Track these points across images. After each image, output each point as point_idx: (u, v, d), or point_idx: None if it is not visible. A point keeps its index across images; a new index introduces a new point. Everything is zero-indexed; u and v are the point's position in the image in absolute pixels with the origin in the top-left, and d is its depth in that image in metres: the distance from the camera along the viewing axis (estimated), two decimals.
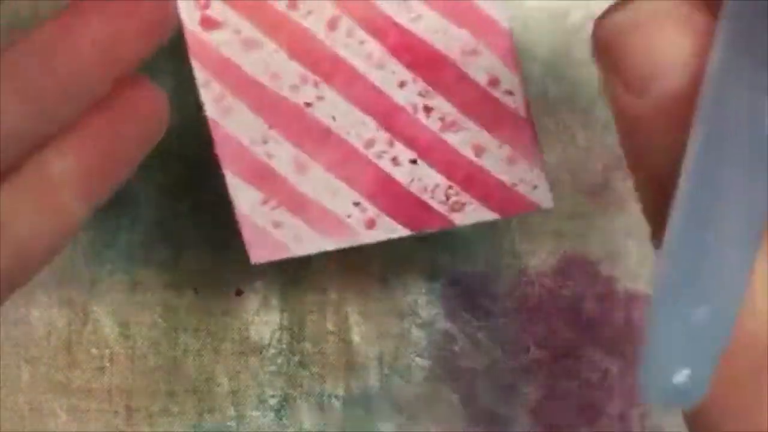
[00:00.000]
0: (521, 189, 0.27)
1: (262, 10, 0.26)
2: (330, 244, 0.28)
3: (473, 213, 0.28)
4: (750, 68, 0.19)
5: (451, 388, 0.36)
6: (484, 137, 0.27)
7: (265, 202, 0.27)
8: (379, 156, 0.27)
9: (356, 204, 0.27)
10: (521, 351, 0.36)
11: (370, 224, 0.27)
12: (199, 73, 0.27)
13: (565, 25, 0.37)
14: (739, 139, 0.20)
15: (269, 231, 0.28)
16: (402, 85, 0.27)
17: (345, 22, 0.26)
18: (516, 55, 0.27)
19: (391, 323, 0.36)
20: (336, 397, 0.36)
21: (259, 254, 0.28)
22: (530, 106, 0.27)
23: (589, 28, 0.37)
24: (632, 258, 0.37)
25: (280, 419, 0.36)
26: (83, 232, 0.35)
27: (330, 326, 0.36)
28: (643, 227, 0.39)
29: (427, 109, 0.27)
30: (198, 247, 0.36)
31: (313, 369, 0.36)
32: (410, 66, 0.26)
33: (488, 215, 0.28)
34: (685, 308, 0.20)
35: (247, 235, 0.28)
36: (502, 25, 0.27)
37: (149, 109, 0.28)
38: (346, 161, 0.27)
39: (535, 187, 0.27)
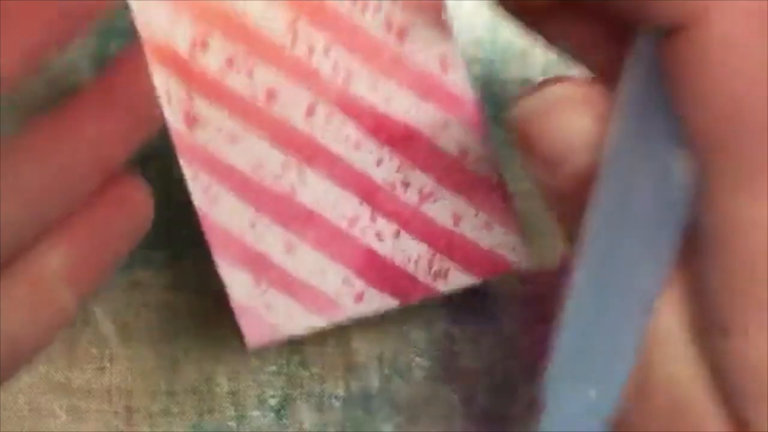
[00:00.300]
0: (500, 251, 0.29)
1: (243, 106, 0.27)
2: (321, 321, 0.29)
3: (456, 280, 0.29)
4: (646, 144, 0.21)
5: (451, 388, 0.36)
6: (461, 205, 0.28)
7: (257, 285, 0.29)
8: (363, 232, 0.28)
9: (345, 281, 0.28)
10: (521, 351, 0.36)
11: (359, 298, 0.29)
12: (187, 169, 0.28)
13: None
14: (633, 214, 0.21)
15: (262, 314, 0.29)
16: (379, 163, 0.28)
17: (322, 108, 0.27)
18: (485, 123, 0.28)
19: (391, 323, 0.36)
20: (336, 397, 0.36)
21: (255, 340, 0.29)
22: (501, 170, 0.29)
23: None
24: None
25: (280, 419, 0.36)
26: None
27: (330, 326, 0.36)
28: None
29: (405, 184, 0.28)
30: (198, 247, 0.36)
31: (313, 369, 0.36)
32: (386, 144, 0.28)
33: (470, 280, 0.29)
34: (575, 386, 0.21)
35: (244, 323, 0.29)
36: (469, 97, 0.28)
37: (135, 207, 0.30)
38: (332, 240, 0.28)
39: (513, 248, 0.29)
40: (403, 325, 0.36)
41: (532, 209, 0.37)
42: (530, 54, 0.37)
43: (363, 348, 0.36)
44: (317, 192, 0.28)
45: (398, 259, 0.28)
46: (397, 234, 0.28)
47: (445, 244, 0.28)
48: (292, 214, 0.28)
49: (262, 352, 0.36)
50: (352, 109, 0.27)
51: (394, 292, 0.29)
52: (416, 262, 0.28)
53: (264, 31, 0.27)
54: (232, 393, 0.36)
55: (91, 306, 0.35)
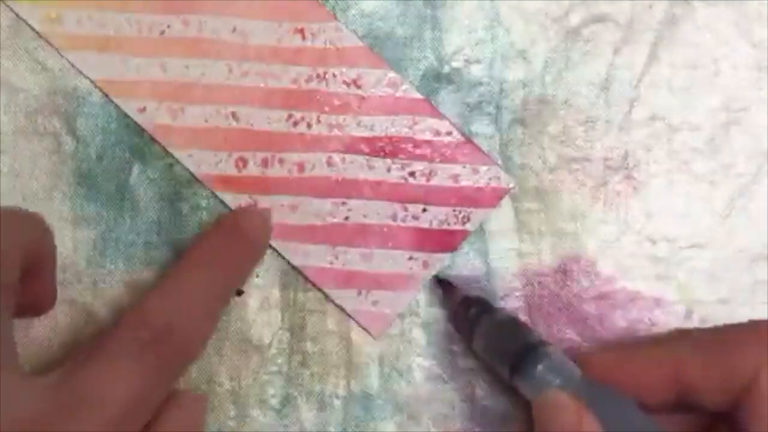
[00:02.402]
0: (493, 184, 0.37)
1: (287, 184, 0.37)
2: (412, 294, 0.37)
3: (477, 217, 0.37)
4: None
5: (451, 388, 0.36)
6: (453, 168, 0.37)
7: (359, 293, 0.36)
8: (404, 220, 0.37)
9: (410, 258, 0.37)
10: None
11: (425, 265, 0.37)
12: (278, 244, 0.37)
13: (565, 25, 0.37)
14: None
15: (372, 311, 0.36)
16: (389, 169, 0.37)
17: (337, 157, 0.37)
18: (434, 106, 0.37)
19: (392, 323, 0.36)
20: (336, 396, 0.36)
21: (378, 330, 0.37)
22: (462, 129, 0.37)
23: (589, 28, 0.37)
24: (631, 257, 0.37)
25: (281, 419, 0.36)
26: (84, 233, 0.35)
27: (330, 326, 0.36)
28: (642, 227, 0.39)
29: (412, 174, 0.37)
30: None
31: (313, 369, 0.36)
32: (387, 156, 0.37)
33: (486, 212, 0.37)
34: None
35: (363, 322, 0.36)
36: (418, 96, 0.37)
37: None
38: (387, 236, 0.37)
39: (499, 177, 0.38)
40: (404, 325, 0.36)
41: (532, 209, 0.37)
42: (530, 54, 0.37)
43: (363, 348, 0.36)
44: (363, 211, 0.37)
45: (434, 225, 0.38)
46: (425, 209, 0.37)
47: (458, 198, 0.38)
48: (355, 233, 0.37)
49: (263, 351, 0.36)
50: (354, 146, 0.37)
51: (443, 248, 0.37)
52: (446, 220, 0.38)
53: (270, 129, 0.37)
54: (233, 392, 0.36)
55: (92, 306, 0.35)
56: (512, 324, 0.34)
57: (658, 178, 0.37)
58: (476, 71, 0.37)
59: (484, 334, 0.34)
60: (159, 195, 0.36)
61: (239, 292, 0.36)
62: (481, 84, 0.37)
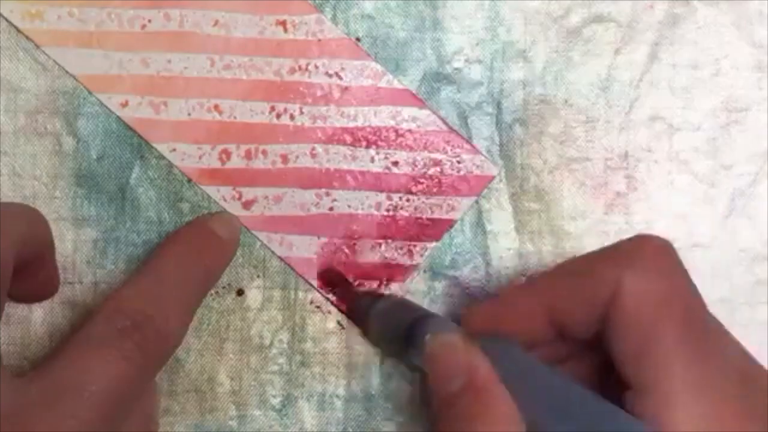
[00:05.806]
0: (476, 172, 0.38)
1: (270, 176, 0.37)
2: (395, 284, 0.37)
3: (462, 206, 0.38)
4: None
5: None
6: (436, 157, 0.38)
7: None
8: (388, 209, 0.38)
9: (397, 248, 0.38)
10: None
11: (410, 255, 0.37)
12: (261, 234, 0.37)
13: (565, 25, 0.37)
14: None
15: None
16: (372, 160, 0.37)
17: (319, 148, 0.37)
18: (416, 95, 0.38)
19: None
20: (337, 396, 0.36)
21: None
22: (444, 119, 0.37)
23: (589, 28, 0.37)
24: None
25: (282, 419, 0.36)
26: (85, 233, 0.35)
27: (331, 326, 0.36)
28: (642, 227, 0.39)
29: (395, 163, 0.38)
30: None
31: (314, 369, 0.36)
32: (370, 146, 0.37)
33: (471, 200, 0.38)
34: None
35: (349, 312, 0.36)
36: (400, 86, 0.38)
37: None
38: (371, 225, 0.38)
39: (481, 165, 0.38)
40: None
41: (532, 209, 0.37)
42: (530, 54, 0.37)
43: (364, 348, 0.36)
44: (346, 201, 0.38)
45: (419, 213, 0.38)
46: (409, 198, 0.38)
47: (441, 187, 0.38)
48: (341, 224, 0.37)
49: (264, 351, 0.36)
50: (337, 137, 0.38)
51: (428, 237, 0.38)
52: (431, 209, 0.38)
53: (253, 121, 0.37)
54: (234, 392, 0.36)
55: (92, 306, 0.35)
56: (399, 305, 0.35)
57: (658, 178, 0.37)
58: (476, 71, 0.37)
59: (375, 320, 0.34)
60: (159, 195, 0.36)
61: (239, 292, 0.36)
62: (481, 84, 0.37)
